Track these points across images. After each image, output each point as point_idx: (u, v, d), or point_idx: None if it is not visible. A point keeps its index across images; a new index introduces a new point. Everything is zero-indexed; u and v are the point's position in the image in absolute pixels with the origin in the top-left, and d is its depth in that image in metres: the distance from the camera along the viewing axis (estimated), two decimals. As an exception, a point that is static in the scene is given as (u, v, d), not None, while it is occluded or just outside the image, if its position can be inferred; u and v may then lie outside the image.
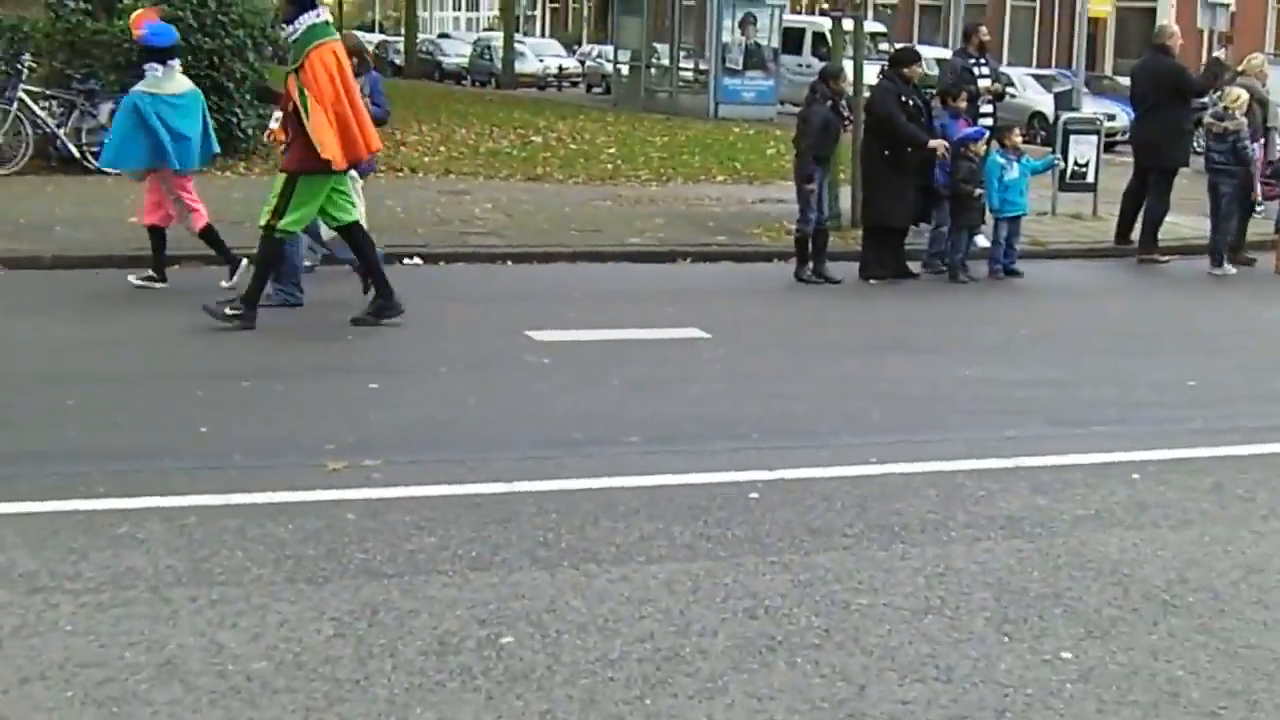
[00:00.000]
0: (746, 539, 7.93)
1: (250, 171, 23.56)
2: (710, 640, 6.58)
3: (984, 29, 20.66)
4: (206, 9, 23.73)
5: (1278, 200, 19.89)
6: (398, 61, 69.95)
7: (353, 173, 13.89)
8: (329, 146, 12.96)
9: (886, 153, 17.38)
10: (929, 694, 6.14)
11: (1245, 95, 19.53)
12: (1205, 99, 22.03)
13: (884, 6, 64.27)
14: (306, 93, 13.01)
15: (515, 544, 7.70)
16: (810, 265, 17.11)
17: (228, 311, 13.20)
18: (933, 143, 17.36)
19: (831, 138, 17.46)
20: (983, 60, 20.03)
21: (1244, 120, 19.26)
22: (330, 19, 13.73)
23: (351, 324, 13.52)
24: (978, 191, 17.61)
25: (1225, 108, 19.45)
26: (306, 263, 15.56)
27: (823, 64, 20.98)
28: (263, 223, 13.41)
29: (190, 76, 22.66)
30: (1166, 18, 27.34)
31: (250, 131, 24.65)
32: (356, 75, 15.84)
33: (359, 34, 73.16)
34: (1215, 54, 23.05)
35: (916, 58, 18.56)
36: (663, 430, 10.28)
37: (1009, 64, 50.74)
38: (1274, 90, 21.96)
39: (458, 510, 8.22)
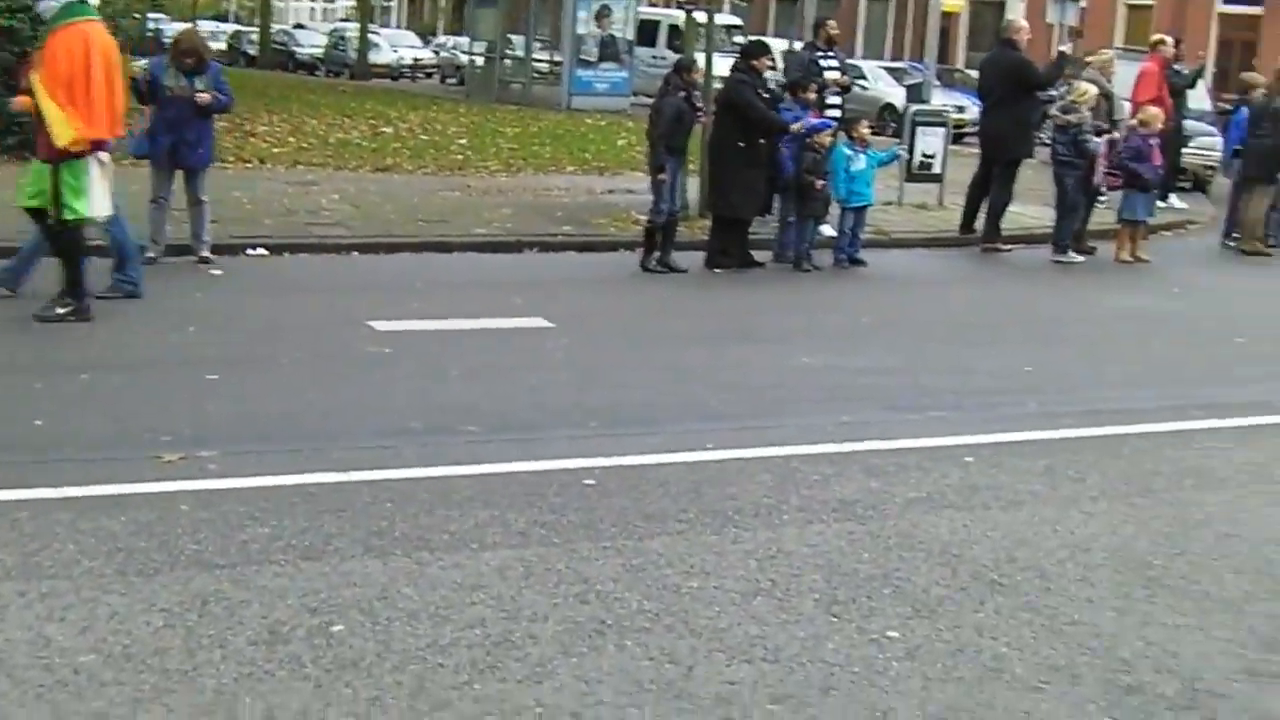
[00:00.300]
0: (581, 525, 7.97)
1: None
2: (540, 625, 6.61)
3: (832, 23, 20.78)
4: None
5: (1120, 191, 20.18)
6: (252, 52, 69.40)
7: (101, 156, 13.39)
8: (60, 133, 12.67)
9: (741, 144, 17.46)
10: (756, 674, 6.21)
11: (1092, 89, 19.83)
12: (1052, 92, 22.30)
13: (739, 0, 64.56)
14: (34, 75, 12.78)
15: (349, 533, 7.69)
16: (657, 255, 17.15)
17: (58, 311, 13.01)
18: (794, 126, 17.53)
19: (684, 129, 17.51)
20: (830, 53, 20.15)
21: (1087, 114, 19.55)
22: None
23: (36, 320, 13.00)
24: (820, 183, 17.74)
25: (1072, 101, 19.74)
26: (149, 254, 15.45)
27: (678, 56, 21.03)
28: (49, 218, 13.10)
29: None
30: (1016, 12, 27.57)
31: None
32: (197, 73, 15.77)
33: (213, 24, 72.47)
34: (1061, 48, 23.31)
35: (766, 50, 18.68)
36: (502, 419, 10.29)
37: (863, 57, 51.20)
38: (1120, 85, 22.26)
39: (292, 500, 8.20)
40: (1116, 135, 20.03)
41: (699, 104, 17.76)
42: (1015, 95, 20.41)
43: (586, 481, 8.74)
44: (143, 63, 16.26)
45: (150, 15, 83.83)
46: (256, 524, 7.78)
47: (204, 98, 15.75)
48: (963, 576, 7.45)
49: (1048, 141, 22.02)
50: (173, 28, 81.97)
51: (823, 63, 19.83)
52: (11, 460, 8.87)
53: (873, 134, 20.19)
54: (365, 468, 8.86)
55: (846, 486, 8.90)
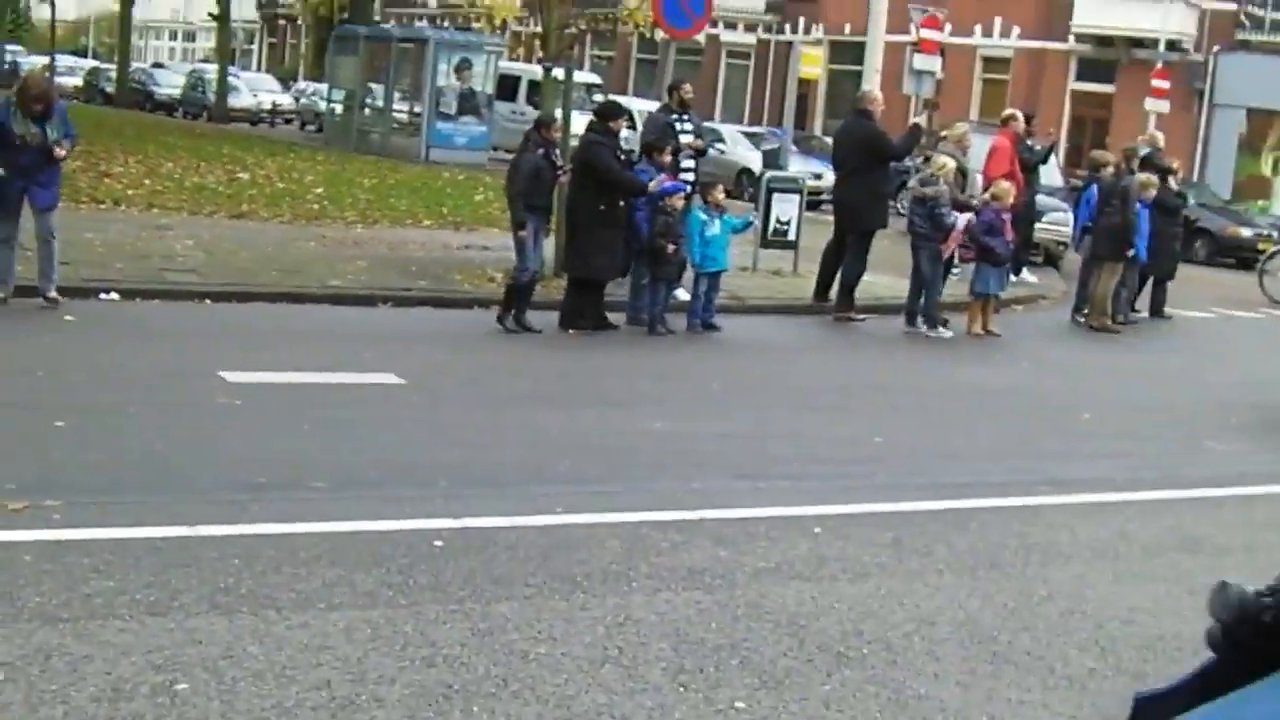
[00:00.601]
0: (429, 587, 7.94)
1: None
2: (387, 688, 6.58)
3: (687, 86, 20.88)
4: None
5: (972, 264, 20.44)
6: (109, 89, 68.81)
7: None
8: None
9: (602, 207, 17.50)
10: (600, 744, 6.22)
11: (950, 163, 20.11)
12: (907, 162, 22.57)
13: (601, 58, 64.86)
14: None
15: (195, 589, 7.62)
16: (513, 313, 17.16)
17: None
18: (651, 185, 17.62)
19: (543, 186, 17.54)
20: (685, 116, 20.26)
21: (945, 188, 19.80)
22: None
23: None
24: (672, 248, 17.82)
25: (930, 174, 19.99)
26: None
27: (537, 111, 21.03)
28: None
29: None
30: (872, 83, 27.81)
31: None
32: (45, 118, 15.59)
33: (71, 59, 71.65)
34: (916, 119, 23.62)
35: (621, 111, 18.80)
36: (350, 475, 10.24)
37: (721, 121, 51.49)
38: (973, 158, 22.58)
39: (138, 553, 8.11)
40: (973, 210, 20.26)
41: (559, 162, 17.80)
42: (870, 166, 20.64)
43: (435, 542, 8.71)
44: None
45: (8, 47, 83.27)
46: (101, 577, 7.68)
47: (60, 153, 15.65)
48: (810, 648, 7.49)
49: (903, 212, 22.29)
50: (29, 60, 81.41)
51: (677, 126, 19.93)
52: None
53: (729, 199, 20.29)
54: (213, 522, 8.78)
55: (695, 555, 8.93)
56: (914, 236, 20.11)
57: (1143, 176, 22.46)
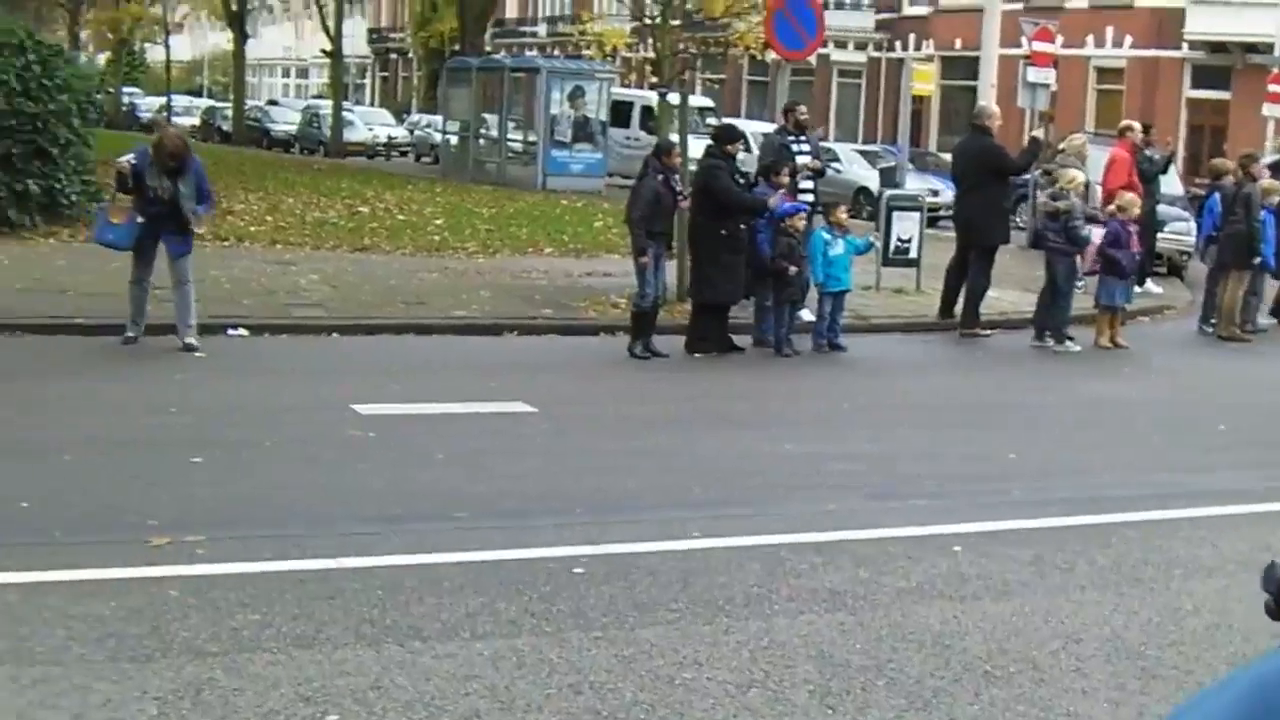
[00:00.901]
0: (571, 614, 7.95)
1: (74, 239, 23.32)
2: (535, 716, 6.59)
3: (802, 108, 20.88)
4: (31, 73, 23.49)
5: (1098, 276, 20.26)
6: (225, 128, 69.58)
7: None
8: None
9: (723, 231, 17.49)
10: (752, 769, 6.20)
11: (1081, 176, 19.99)
12: (1025, 176, 22.44)
13: (712, 82, 64.91)
14: None
15: (340, 621, 7.67)
16: (640, 340, 17.18)
17: None
18: (772, 200, 17.62)
19: (664, 212, 17.55)
20: (801, 137, 20.24)
21: (1076, 201, 19.67)
22: None
23: None
24: (792, 269, 17.80)
25: (1061, 188, 19.83)
26: (129, 334, 15.56)
27: (651, 137, 21.04)
28: None
29: (14, 140, 22.64)
30: (987, 97, 27.69)
31: (73, 198, 24.42)
32: (180, 173, 15.78)
33: (187, 99, 72.37)
34: (1034, 133, 23.46)
35: (738, 135, 18.81)
36: (487, 505, 10.27)
37: (835, 140, 51.42)
38: (1091, 171, 22.41)
39: (282, 587, 8.17)
40: (1099, 222, 20.09)
41: (678, 187, 17.80)
42: (990, 181, 20.55)
43: (575, 570, 8.72)
44: (128, 157, 16.20)
45: (125, 90, 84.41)
46: (247, 610, 7.75)
47: (196, 226, 15.85)
48: (956, 668, 7.44)
49: (1021, 225, 22.13)
50: (147, 102, 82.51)
51: (794, 147, 19.91)
52: (0, 542, 8.84)
53: (849, 218, 20.21)
54: (353, 554, 8.84)
55: (836, 576, 8.90)
56: (1048, 251, 19.94)
57: (1266, 182, 22.17)
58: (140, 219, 15.85)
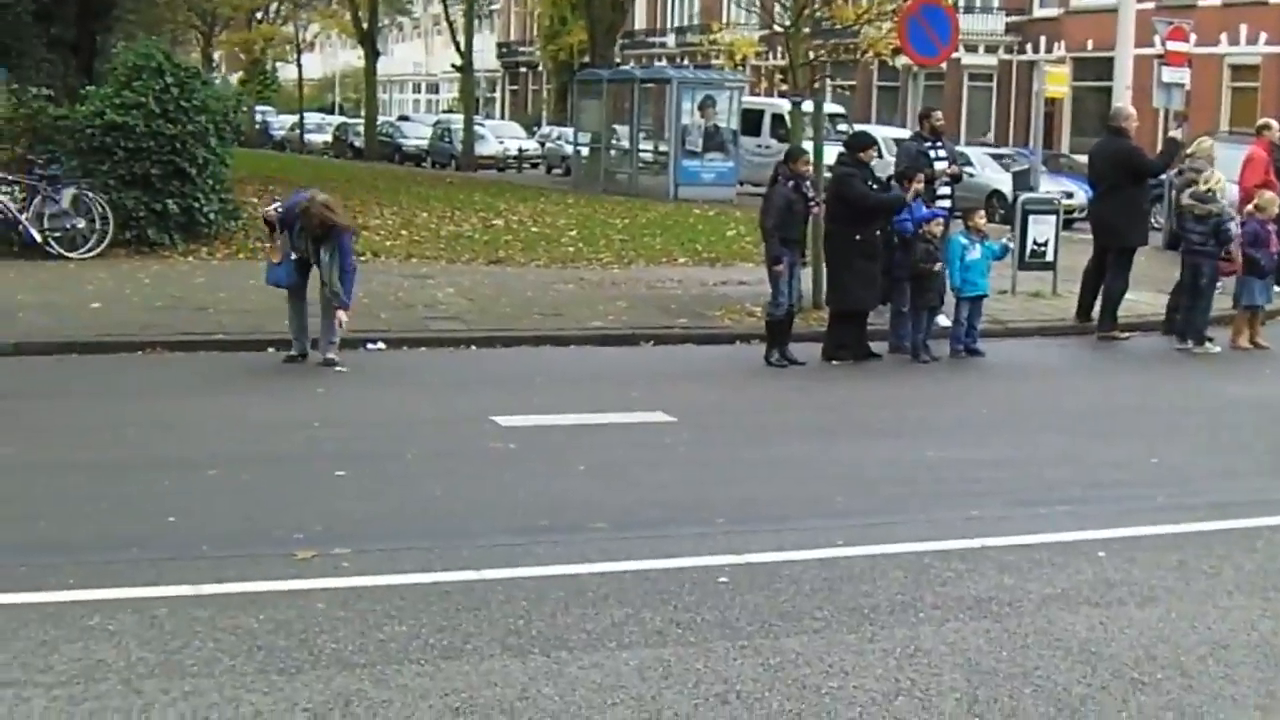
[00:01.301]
0: (716, 624, 7.95)
1: (213, 256, 23.61)
2: (683, 726, 6.60)
3: (938, 114, 20.80)
4: (169, 95, 23.83)
5: (1235, 277, 20.01)
6: (358, 144, 70.24)
7: None
8: None
9: (858, 237, 17.44)
10: (901, 777, 6.18)
11: (1223, 178, 19.72)
12: (1162, 177, 22.21)
13: (842, 88, 64.78)
14: None
15: (486, 632, 7.72)
16: (776, 348, 17.16)
17: None
18: (909, 194, 17.57)
19: (796, 219, 17.50)
20: (938, 143, 20.15)
21: (1224, 203, 19.47)
22: None
23: None
24: (937, 266, 17.73)
25: (1209, 190, 19.58)
26: (293, 352, 15.74)
27: (782, 144, 21.01)
28: None
29: (153, 161, 22.99)
30: (1122, 98, 27.47)
31: (212, 216, 24.74)
32: (324, 240, 15.89)
33: (319, 115, 73.21)
34: (1171, 133, 23.17)
35: (871, 141, 18.73)
36: (629, 515, 10.29)
37: (967, 143, 51.14)
38: (1226, 169, 22.14)
39: (428, 598, 8.23)
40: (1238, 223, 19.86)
41: (809, 194, 17.76)
42: (1127, 183, 20.37)
43: (719, 579, 8.73)
44: (275, 207, 16.37)
45: (258, 108, 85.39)
46: (394, 622, 7.82)
47: (340, 315, 15.89)
48: (1103, 675, 7.38)
49: (1157, 227, 21.90)
50: (280, 120, 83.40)
51: (931, 153, 19.83)
52: (148, 557, 8.96)
53: (985, 221, 20.07)
54: (498, 565, 8.89)
55: (980, 583, 8.85)
56: (1191, 254, 19.67)
57: None
58: (295, 255, 16.00)
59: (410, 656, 7.34)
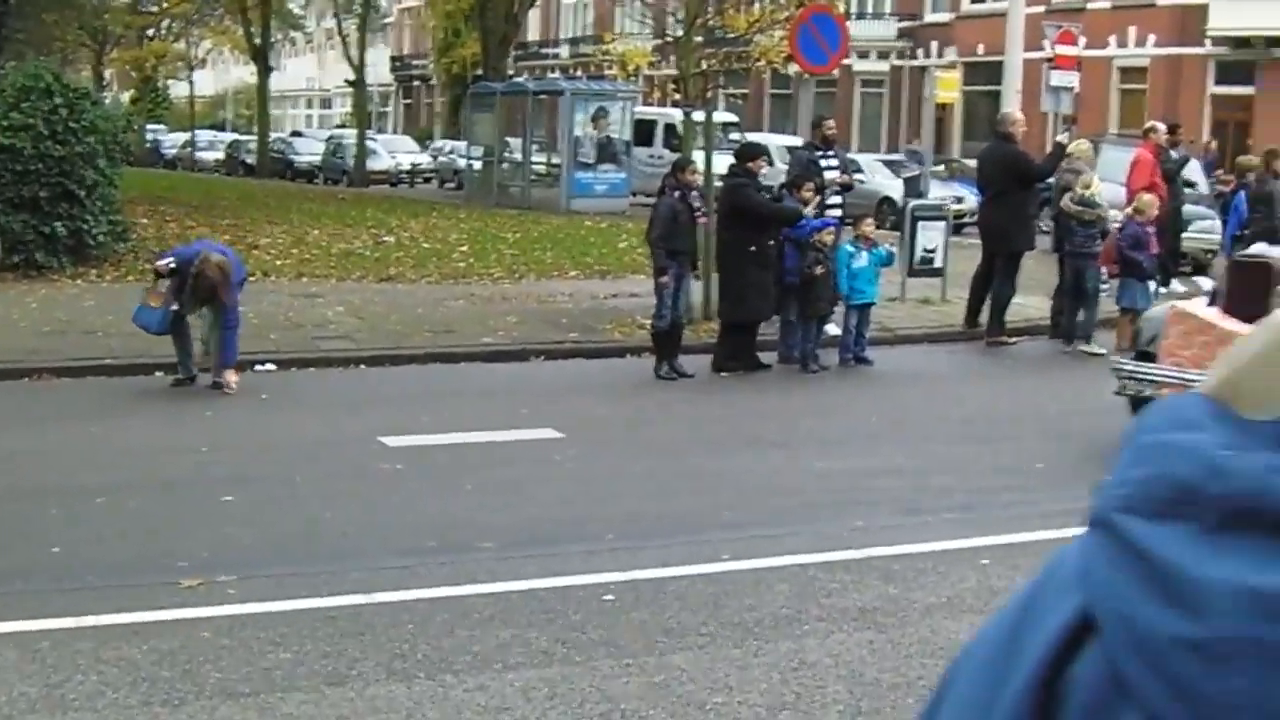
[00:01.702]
0: (602, 642, 7.98)
1: (101, 279, 23.43)
2: (567, 747, 6.62)
3: (830, 122, 20.88)
4: (58, 116, 23.61)
5: (1119, 279, 20.21)
6: (250, 161, 69.72)
7: None
8: None
9: (753, 248, 17.48)
10: (783, 793, 6.22)
11: (1098, 181, 19.98)
12: (1050, 181, 22.40)
13: (735, 97, 64.96)
14: None
15: (371, 656, 7.72)
16: (666, 360, 17.19)
17: None
18: (807, 210, 17.64)
19: (683, 230, 17.51)
20: (829, 152, 20.24)
21: (1104, 205, 19.69)
22: None
23: None
24: (819, 269, 17.77)
25: (1092, 194, 19.79)
26: (179, 376, 15.56)
27: (675, 155, 21.10)
28: None
29: (41, 184, 22.78)
30: (1012, 102, 27.68)
31: (100, 238, 24.54)
32: (211, 302, 15.70)
33: (210, 133, 72.50)
34: (1058, 138, 23.39)
35: (761, 152, 18.82)
36: (517, 534, 10.30)
37: (859, 150, 51.39)
38: (1116, 171, 22.39)
39: (313, 624, 8.22)
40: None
41: (696, 204, 17.79)
42: (1014, 188, 20.53)
43: (605, 597, 8.76)
44: (168, 261, 16.02)
45: (149, 126, 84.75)
46: (279, 649, 7.80)
47: (230, 379, 15.73)
48: (985, 683, 7.43)
49: (1045, 230, 22.07)
50: (172, 138, 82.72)
51: (822, 162, 19.91)
52: (31, 589, 8.92)
53: (875, 229, 20.18)
54: (385, 589, 8.90)
55: (865, 594, 8.92)
56: (1075, 257, 19.89)
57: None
58: (175, 307, 15.73)
59: (295, 684, 7.33)
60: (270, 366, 17.17)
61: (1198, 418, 0.96)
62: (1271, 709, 0.80)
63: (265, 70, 67.59)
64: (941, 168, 42.61)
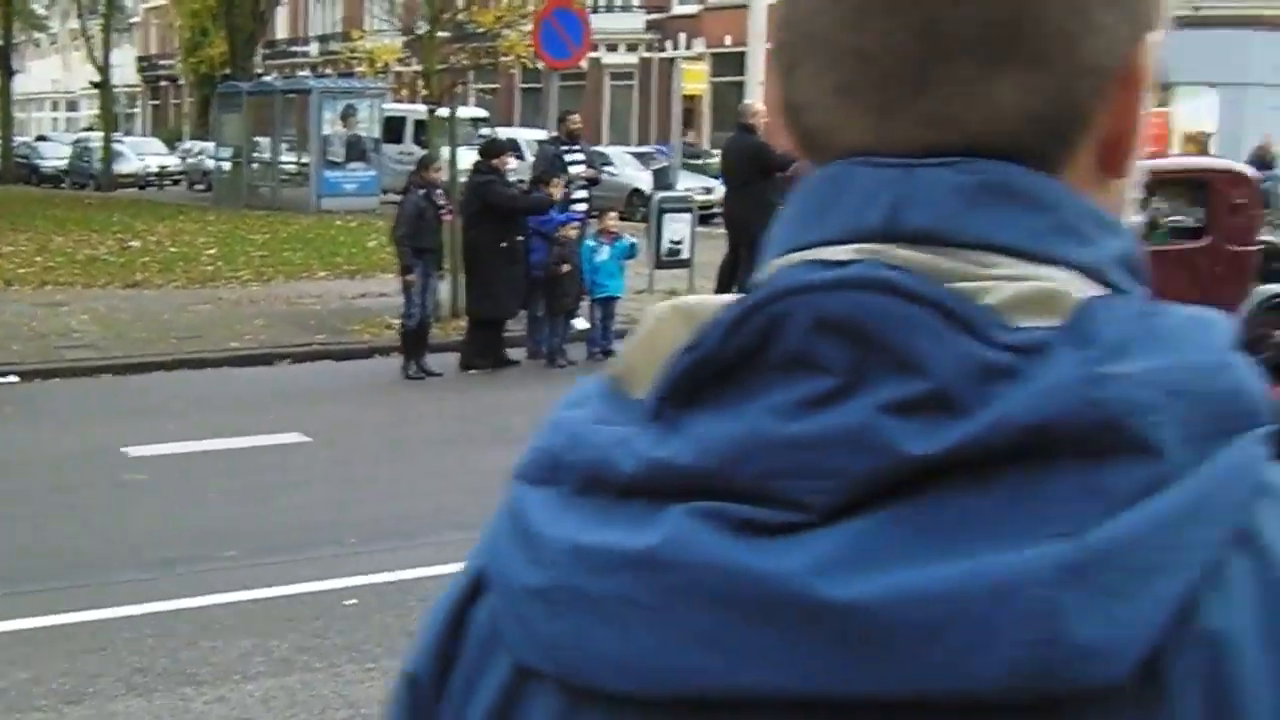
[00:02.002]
0: (345, 647, 8.00)
1: None
2: (307, 755, 6.64)
3: (575, 117, 20.99)
4: None
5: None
6: (-9, 167, 68.29)
7: None
8: None
9: (503, 244, 17.49)
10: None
11: None
12: (790, 172, 22.69)
13: (485, 92, 64.92)
14: None
15: (112, 672, 7.66)
16: (413, 360, 17.18)
17: None
18: (557, 195, 17.73)
19: (428, 227, 17.51)
20: (575, 146, 20.34)
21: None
22: None
23: None
24: (565, 267, 17.85)
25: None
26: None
27: (424, 151, 21.08)
28: None
29: None
30: (754, 95, 27.99)
31: None
32: None
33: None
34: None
35: (505, 148, 18.86)
36: (261, 541, 10.27)
37: (610, 143, 51.59)
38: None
39: (52, 641, 8.14)
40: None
41: (441, 202, 17.80)
42: (756, 178, 20.75)
43: (348, 601, 8.77)
44: None
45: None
46: (15, 669, 7.71)
47: None
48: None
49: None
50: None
51: (567, 157, 20.00)
52: None
53: (623, 220, 20.33)
54: (125, 603, 8.82)
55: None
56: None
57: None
58: None
59: (33, 704, 7.26)
60: (13, 379, 16.86)
61: (587, 395, 1.07)
62: (590, 648, 0.92)
63: (7, 72, 66.29)
64: (697, 159, 42.94)
